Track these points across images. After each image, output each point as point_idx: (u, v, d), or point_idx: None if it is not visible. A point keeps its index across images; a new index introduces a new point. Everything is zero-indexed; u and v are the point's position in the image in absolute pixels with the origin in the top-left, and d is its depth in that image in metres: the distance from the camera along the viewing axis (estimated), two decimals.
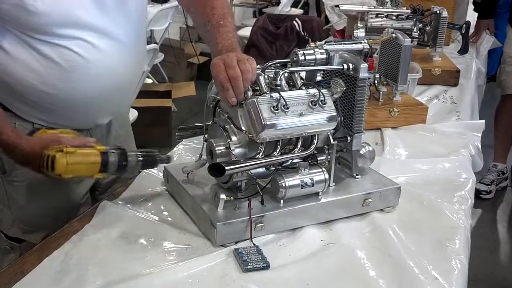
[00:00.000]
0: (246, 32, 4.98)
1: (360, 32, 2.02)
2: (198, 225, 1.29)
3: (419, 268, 1.20)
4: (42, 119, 1.51)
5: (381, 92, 1.96)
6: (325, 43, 1.70)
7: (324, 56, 1.37)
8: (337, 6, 3.11)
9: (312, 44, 1.52)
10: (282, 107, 1.22)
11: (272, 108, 1.21)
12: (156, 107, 3.91)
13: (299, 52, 1.34)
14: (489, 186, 3.74)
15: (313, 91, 1.28)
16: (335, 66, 1.37)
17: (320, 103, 1.27)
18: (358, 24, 2.50)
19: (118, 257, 1.18)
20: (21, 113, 1.50)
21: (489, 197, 3.73)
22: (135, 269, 1.14)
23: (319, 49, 1.38)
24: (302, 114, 1.25)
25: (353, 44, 1.81)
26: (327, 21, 3.90)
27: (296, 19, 4.65)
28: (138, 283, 1.10)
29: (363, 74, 1.36)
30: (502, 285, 2.94)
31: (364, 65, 1.36)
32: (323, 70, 1.41)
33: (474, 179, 1.68)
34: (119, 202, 1.40)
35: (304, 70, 1.35)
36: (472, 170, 1.74)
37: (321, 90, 1.28)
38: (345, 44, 1.81)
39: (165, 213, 1.37)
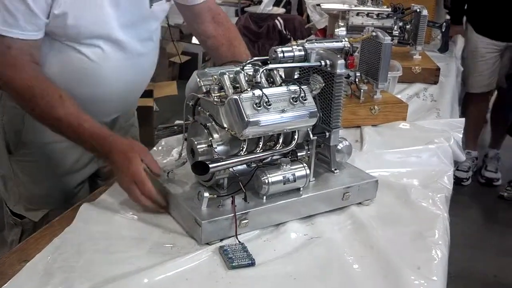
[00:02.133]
0: None
1: (341, 31, 2.04)
2: (182, 224, 1.29)
3: (400, 259, 1.22)
4: None
5: (361, 90, 1.97)
6: (307, 41, 1.71)
7: (302, 53, 1.38)
8: (319, 5, 3.13)
9: (294, 43, 1.53)
10: (265, 104, 1.23)
11: (254, 105, 1.22)
12: (138, 106, 3.89)
13: (277, 50, 1.35)
14: (467, 173, 3.90)
15: (294, 87, 1.29)
16: (313, 63, 1.39)
17: (300, 99, 1.28)
18: (339, 23, 2.52)
19: (103, 258, 1.18)
20: None
21: (469, 183, 3.90)
22: (122, 270, 1.13)
23: (297, 46, 1.39)
24: (284, 110, 1.26)
25: (334, 43, 1.83)
26: (308, 20, 3.92)
27: (278, 18, 4.66)
28: (127, 284, 1.09)
29: (340, 70, 1.37)
30: (483, 281, 2.97)
31: (341, 61, 1.38)
32: (300, 68, 1.42)
33: (452, 169, 1.71)
34: (100, 203, 1.40)
35: (283, 67, 1.36)
36: (451, 161, 1.76)
37: (302, 87, 1.29)
38: (326, 42, 1.82)
39: (147, 213, 1.36)
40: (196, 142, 1.29)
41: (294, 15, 5.49)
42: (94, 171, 1.81)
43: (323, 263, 1.20)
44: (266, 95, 1.23)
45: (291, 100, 1.27)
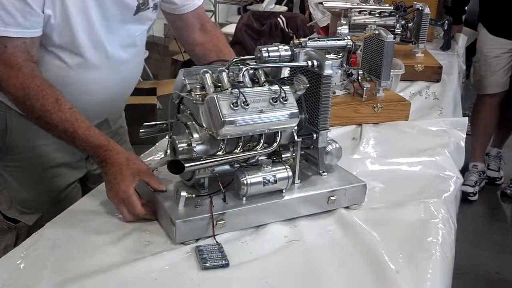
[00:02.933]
0: (230, 29, 4.97)
1: (343, 29, 2.04)
2: (160, 223, 1.28)
3: (380, 267, 1.18)
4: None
5: (364, 88, 1.97)
6: (309, 39, 1.72)
7: (289, 53, 1.36)
8: (321, 3, 3.12)
9: (296, 41, 1.54)
10: (242, 104, 1.21)
11: (231, 105, 1.20)
12: (141, 104, 3.90)
13: (262, 49, 1.33)
14: (474, 188, 3.73)
15: (275, 87, 1.27)
16: (299, 63, 1.36)
17: (281, 99, 1.25)
18: (342, 21, 2.52)
19: (76, 255, 1.18)
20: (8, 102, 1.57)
21: (475, 199, 3.74)
22: (93, 267, 1.13)
23: (283, 46, 1.36)
24: (263, 110, 1.23)
25: (337, 41, 1.84)
26: (311, 18, 3.92)
27: (281, 16, 4.65)
28: (95, 281, 1.09)
29: (328, 71, 1.34)
30: (485, 277, 2.96)
31: (329, 62, 1.34)
32: (291, 67, 1.39)
33: (459, 176, 1.66)
34: (82, 203, 1.40)
35: (266, 67, 1.34)
36: (451, 166, 1.70)
37: (282, 87, 1.27)
38: (328, 40, 1.83)
39: None
40: (177, 141, 1.28)
41: (296, 13, 5.48)
42: (84, 174, 1.79)
43: (297, 267, 1.18)
44: (243, 95, 1.21)
45: (271, 101, 1.25)
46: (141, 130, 1.42)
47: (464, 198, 3.53)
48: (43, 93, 1.39)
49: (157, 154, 1.65)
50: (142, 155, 1.72)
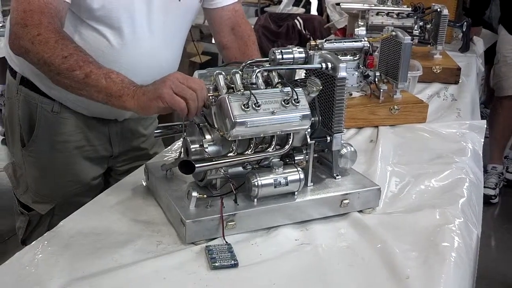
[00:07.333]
0: None
1: (361, 30, 2.03)
2: (172, 223, 1.29)
3: (391, 271, 1.16)
4: (67, 99, 1.60)
5: (381, 90, 1.96)
6: (326, 41, 1.72)
7: (303, 55, 1.36)
8: (338, 4, 3.12)
9: (313, 43, 1.53)
10: (253, 105, 1.21)
11: (242, 106, 1.20)
12: None
13: (276, 51, 1.33)
14: (495, 190, 3.70)
15: (287, 89, 1.27)
16: (313, 65, 1.36)
17: (293, 101, 1.25)
18: (359, 22, 2.51)
19: (88, 253, 1.18)
20: (46, 89, 1.59)
21: (497, 201, 3.70)
22: (103, 266, 1.14)
23: (297, 48, 1.36)
24: (274, 112, 1.23)
25: (353, 42, 1.83)
26: (328, 19, 3.92)
27: (298, 17, 4.66)
28: (103, 279, 1.09)
29: (342, 73, 1.33)
30: (503, 281, 2.92)
31: (343, 65, 1.33)
32: (307, 69, 1.39)
33: (477, 180, 1.64)
34: (99, 199, 1.40)
35: (279, 69, 1.34)
36: (466, 172, 1.65)
37: (295, 89, 1.27)
38: (345, 42, 1.83)
39: (143, 211, 1.36)
40: (190, 142, 1.29)
41: (314, 15, 5.49)
42: (106, 169, 1.80)
43: (307, 270, 1.17)
44: (255, 96, 1.21)
45: (283, 102, 1.25)
46: (155, 131, 1.42)
47: (485, 201, 3.52)
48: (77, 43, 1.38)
49: (172, 154, 1.65)
50: (157, 155, 1.74)
